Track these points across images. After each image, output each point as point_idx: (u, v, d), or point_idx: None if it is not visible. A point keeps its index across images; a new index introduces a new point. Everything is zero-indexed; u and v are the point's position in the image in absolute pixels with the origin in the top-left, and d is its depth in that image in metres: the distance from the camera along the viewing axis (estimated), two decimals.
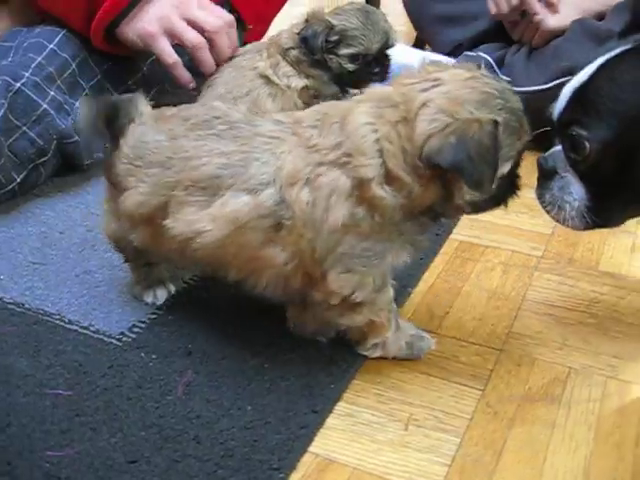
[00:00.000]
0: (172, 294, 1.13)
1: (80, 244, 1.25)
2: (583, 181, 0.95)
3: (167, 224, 0.97)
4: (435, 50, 1.89)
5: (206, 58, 1.40)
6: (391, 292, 0.98)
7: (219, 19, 1.41)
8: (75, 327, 1.05)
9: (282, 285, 0.96)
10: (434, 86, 0.88)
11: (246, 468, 0.84)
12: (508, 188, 0.93)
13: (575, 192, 0.96)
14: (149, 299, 1.11)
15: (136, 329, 1.05)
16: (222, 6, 1.50)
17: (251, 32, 1.75)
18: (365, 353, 1.01)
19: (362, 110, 0.90)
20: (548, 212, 1.00)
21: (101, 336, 1.04)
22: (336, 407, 0.94)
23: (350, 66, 1.36)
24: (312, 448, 0.88)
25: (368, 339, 1.00)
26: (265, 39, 1.57)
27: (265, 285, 0.97)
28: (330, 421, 0.92)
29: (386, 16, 1.39)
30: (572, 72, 1.45)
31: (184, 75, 1.41)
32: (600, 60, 0.94)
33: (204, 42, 1.39)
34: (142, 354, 1.01)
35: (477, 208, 0.94)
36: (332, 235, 0.90)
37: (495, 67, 1.71)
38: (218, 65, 1.42)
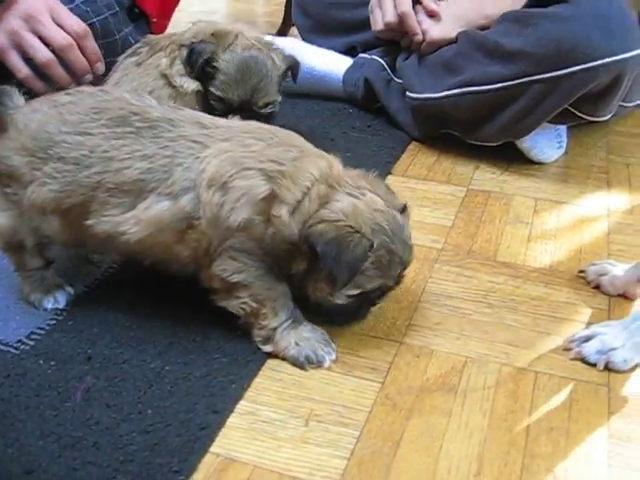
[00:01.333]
0: (72, 299, 1.11)
1: None
2: None
3: (89, 223, 0.99)
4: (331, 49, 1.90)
5: (58, 74, 1.41)
6: (279, 288, 1.01)
7: (69, 35, 1.40)
8: None
9: (184, 271, 1.03)
10: (354, 196, 0.98)
11: (146, 472, 0.84)
12: (355, 309, 1.04)
13: None
14: (49, 305, 1.09)
15: (34, 336, 1.04)
16: None
17: (155, 25, 1.74)
18: (259, 346, 1.02)
19: (320, 165, 0.98)
20: None
21: None
22: (237, 406, 0.95)
23: (214, 103, 1.39)
24: (213, 448, 0.89)
25: (254, 328, 1.02)
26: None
27: (172, 270, 1.03)
28: (231, 420, 0.93)
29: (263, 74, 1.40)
30: (469, 84, 1.51)
31: (36, 86, 1.40)
32: None
33: (53, 59, 1.39)
34: (40, 361, 0.99)
35: (320, 308, 1.02)
36: (226, 232, 0.96)
37: (389, 71, 1.74)
38: (80, 75, 1.43)
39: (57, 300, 1.10)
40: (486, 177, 1.54)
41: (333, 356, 1.02)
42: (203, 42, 1.38)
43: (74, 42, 1.41)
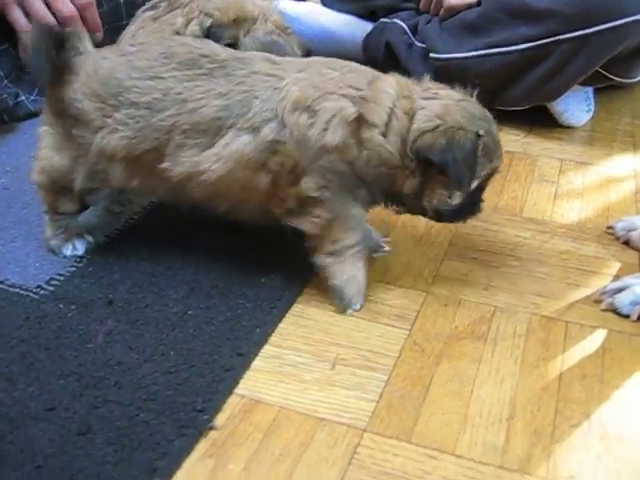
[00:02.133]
0: (92, 248, 1.09)
1: None
2: None
3: (165, 167, 0.97)
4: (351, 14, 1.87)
5: None
6: (355, 209, 0.98)
7: (75, 6, 1.42)
8: None
9: (260, 211, 1.00)
10: (432, 98, 0.97)
11: (169, 411, 0.82)
12: (470, 206, 1.01)
13: None
14: (68, 251, 1.07)
15: (54, 282, 1.02)
16: None
17: None
18: (317, 262, 0.99)
19: (391, 81, 0.97)
20: None
21: (17, 289, 1.00)
22: (262, 350, 0.92)
23: None
24: (238, 390, 0.86)
25: (324, 241, 0.98)
26: None
27: (247, 214, 1.01)
28: (256, 363, 0.90)
29: None
30: (494, 45, 1.48)
31: None
32: None
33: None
34: (60, 305, 0.97)
35: (439, 215, 1.00)
36: (319, 152, 0.94)
37: (410, 34, 1.71)
38: None
39: (76, 247, 1.08)
40: (509, 139, 1.51)
41: (358, 306, 1.01)
42: (223, 27, 1.34)
43: (77, 14, 1.41)
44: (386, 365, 0.91)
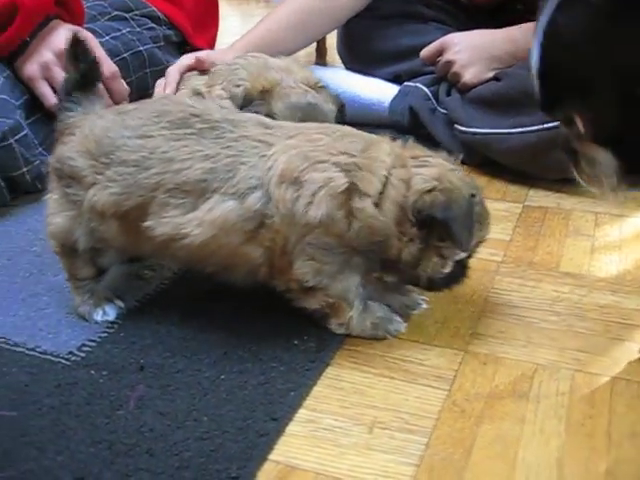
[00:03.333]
0: (123, 313, 1.08)
1: (27, 269, 1.20)
2: (602, 147, 0.87)
3: (148, 225, 0.96)
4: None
5: None
6: (351, 280, 0.99)
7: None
8: (21, 349, 1.00)
9: (252, 277, 1.00)
10: (424, 166, 0.97)
11: (203, 479, 0.79)
12: (458, 273, 1.02)
13: (603, 160, 0.88)
14: (98, 317, 1.06)
15: (86, 348, 1.00)
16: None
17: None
18: (333, 330, 1.03)
19: (386, 148, 0.98)
20: (595, 191, 0.95)
21: (48, 356, 0.99)
22: (297, 414, 0.90)
23: None
24: (273, 456, 0.84)
25: (331, 319, 1.02)
26: None
27: (238, 278, 1.00)
28: (291, 428, 0.88)
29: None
30: (518, 125, 1.47)
31: None
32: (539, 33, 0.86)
33: None
34: (92, 372, 0.96)
35: (431, 283, 1.01)
36: (304, 228, 0.93)
37: (433, 100, 1.72)
38: None
39: (106, 313, 1.07)
40: (541, 194, 1.49)
41: (405, 324, 1.05)
42: (253, 102, 1.35)
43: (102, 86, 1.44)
44: (425, 427, 0.88)
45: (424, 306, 1.09)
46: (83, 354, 0.99)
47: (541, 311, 1.10)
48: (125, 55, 1.62)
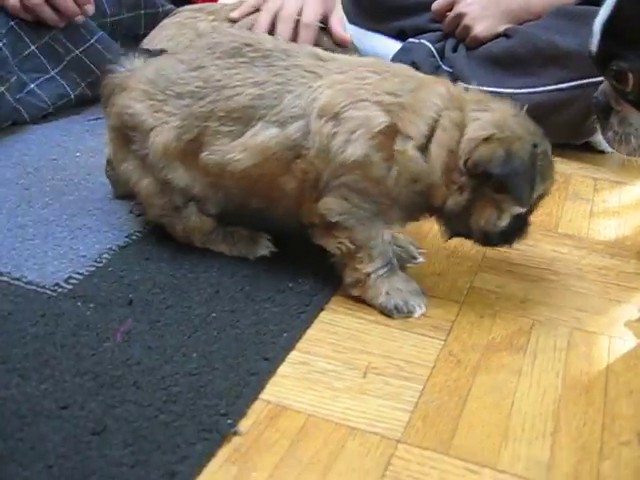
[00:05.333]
0: (112, 248, 1.05)
1: (15, 201, 1.16)
2: (638, 108, 0.91)
3: (202, 157, 0.95)
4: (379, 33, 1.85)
5: (45, 13, 1.41)
6: (379, 232, 0.94)
7: None
8: (5, 278, 0.96)
9: (290, 215, 0.98)
10: (485, 110, 0.91)
11: (191, 413, 0.77)
12: (517, 229, 0.95)
13: (635, 122, 0.92)
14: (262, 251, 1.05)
15: (72, 280, 0.97)
16: None
17: None
18: (347, 290, 0.98)
19: (439, 90, 0.91)
20: (616, 149, 0.97)
21: (34, 287, 0.95)
22: (289, 356, 0.87)
23: None
24: (263, 395, 0.81)
25: (347, 270, 0.96)
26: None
27: (278, 214, 0.99)
28: (283, 369, 0.85)
29: None
30: (522, 86, 1.43)
31: (24, 16, 1.42)
32: None
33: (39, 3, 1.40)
34: (78, 303, 0.92)
35: (486, 238, 0.95)
36: (341, 168, 0.90)
37: (437, 57, 1.68)
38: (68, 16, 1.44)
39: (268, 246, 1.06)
40: None
41: (424, 309, 0.96)
42: None
43: None
44: (421, 375, 0.86)
45: (420, 259, 1.07)
46: (70, 286, 0.96)
47: (539, 269, 1.08)
48: None
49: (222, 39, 0.98)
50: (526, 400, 0.83)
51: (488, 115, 0.90)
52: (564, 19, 1.43)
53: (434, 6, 1.66)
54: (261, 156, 0.93)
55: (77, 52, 1.47)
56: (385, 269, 0.95)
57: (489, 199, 0.90)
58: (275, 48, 0.96)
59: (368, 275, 0.95)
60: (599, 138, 1.48)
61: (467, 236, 0.97)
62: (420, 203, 0.93)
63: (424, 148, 0.89)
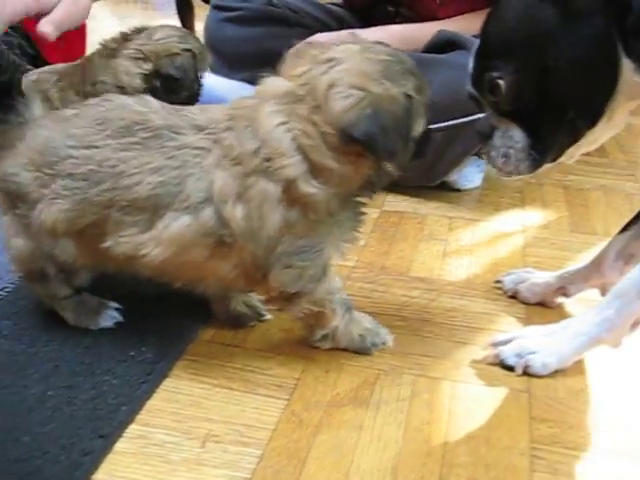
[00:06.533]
0: None
1: None
2: (516, 122, 0.94)
3: (107, 246, 0.91)
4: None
5: None
6: (334, 282, 0.96)
7: None
8: None
9: (227, 286, 0.97)
10: (331, 67, 0.86)
11: None
12: (422, 139, 0.93)
13: (515, 135, 0.95)
14: (105, 323, 1.03)
15: None
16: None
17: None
18: (317, 345, 1.00)
19: (271, 110, 0.88)
20: (499, 168, 0.99)
21: None
22: (127, 430, 0.85)
23: None
24: (97, 475, 0.79)
25: (315, 330, 0.98)
26: None
27: (211, 288, 0.97)
28: (120, 445, 0.83)
29: None
30: None
31: None
32: None
33: None
34: None
35: (403, 167, 0.92)
36: (270, 240, 0.89)
37: None
38: None
39: (110, 317, 1.03)
40: (399, 199, 1.50)
41: (392, 337, 1.02)
42: None
43: None
44: (261, 439, 0.85)
45: (268, 316, 1.07)
46: None
47: (389, 316, 1.09)
48: None
49: (110, 114, 0.93)
50: (366, 456, 0.83)
51: (342, 75, 0.85)
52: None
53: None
54: (179, 247, 0.90)
55: None
56: (347, 315, 0.98)
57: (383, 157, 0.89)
58: (163, 125, 0.92)
59: (336, 327, 0.97)
60: (454, 177, 1.53)
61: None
62: (350, 192, 0.91)
63: (310, 169, 0.87)
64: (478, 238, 1.35)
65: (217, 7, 1.87)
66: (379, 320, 1.07)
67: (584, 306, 1.09)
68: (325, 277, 0.94)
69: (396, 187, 1.51)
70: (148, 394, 0.91)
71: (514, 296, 1.15)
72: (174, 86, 1.30)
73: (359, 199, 0.93)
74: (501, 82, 0.92)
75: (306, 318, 0.97)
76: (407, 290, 1.17)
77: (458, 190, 1.55)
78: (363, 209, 0.94)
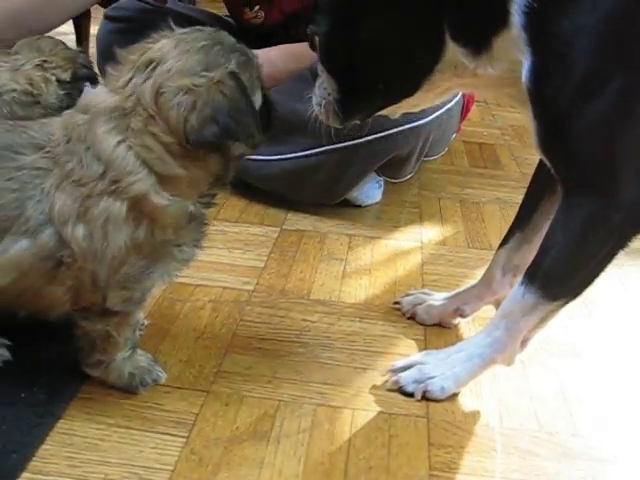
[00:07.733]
0: None
1: None
2: (332, 75, 0.98)
3: None
4: None
5: None
6: (141, 314, 0.95)
7: None
8: None
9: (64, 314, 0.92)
10: (152, 69, 0.84)
11: None
12: (266, 110, 0.92)
13: (329, 86, 0.99)
14: None
15: None
16: None
17: None
18: (86, 370, 0.96)
19: (106, 129, 0.84)
20: (317, 114, 1.02)
21: None
22: None
23: None
24: None
25: (95, 352, 0.94)
26: None
27: (54, 317, 0.93)
28: None
29: None
30: (275, 153, 1.46)
31: None
32: None
33: None
34: None
35: (254, 145, 0.90)
36: (114, 260, 0.86)
37: None
38: None
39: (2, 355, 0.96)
40: (299, 217, 1.50)
41: (165, 375, 0.99)
42: None
43: None
44: None
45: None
46: None
47: (288, 342, 1.09)
48: None
49: None
50: None
51: (165, 79, 0.82)
52: (305, 83, 1.46)
53: None
54: (17, 272, 0.86)
55: None
56: (129, 352, 0.95)
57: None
58: (2, 145, 0.87)
59: (114, 359, 0.94)
60: (355, 194, 1.54)
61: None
62: (201, 194, 0.90)
63: (159, 181, 0.85)
64: (377, 256, 1.37)
65: (108, 17, 1.82)
66: (279, 347, 1.07)
67: (480, 325, 1.12)
68: (145, 302, 0.94)
69: (297, 204, 1.52)
70: (41, 438, 0.87)
71: (413, 317, 1.16)
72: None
73: (206, 199, 0.92)
74: (316, 38, 0.97)
75: (97, 337, 0.93)
76: (307, 314, 1.17)
77: (359, 206, 1.56)
78: (206, 220, 0.93)
